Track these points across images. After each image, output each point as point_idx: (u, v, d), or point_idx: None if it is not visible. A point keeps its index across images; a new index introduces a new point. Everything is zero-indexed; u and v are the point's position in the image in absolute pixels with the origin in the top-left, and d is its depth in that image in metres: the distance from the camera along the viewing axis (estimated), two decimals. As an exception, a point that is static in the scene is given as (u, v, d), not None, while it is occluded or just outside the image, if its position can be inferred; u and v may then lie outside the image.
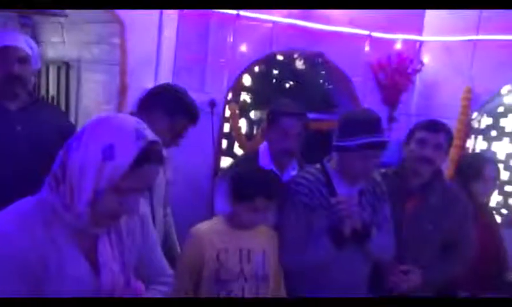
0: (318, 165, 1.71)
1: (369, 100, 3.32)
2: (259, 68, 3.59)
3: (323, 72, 3.70)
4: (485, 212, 2.33)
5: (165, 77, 2.89)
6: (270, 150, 1.87)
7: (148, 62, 2.81)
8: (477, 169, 2.20)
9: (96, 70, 3.00)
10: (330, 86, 3.74)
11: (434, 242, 1.86)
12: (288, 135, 1.79)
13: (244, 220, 1.57)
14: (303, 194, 1.63)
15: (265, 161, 1.86)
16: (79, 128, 1.09)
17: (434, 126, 1.81)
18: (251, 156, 1.96)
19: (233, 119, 3.28)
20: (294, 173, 1.87)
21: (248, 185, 1.54)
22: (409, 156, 1.85)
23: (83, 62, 3.08)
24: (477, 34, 3.05)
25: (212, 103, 3.07)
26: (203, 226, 1.61)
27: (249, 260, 1.57)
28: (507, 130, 3.31)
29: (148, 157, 0.99)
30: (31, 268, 0.93)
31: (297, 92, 3.69)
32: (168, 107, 1.70)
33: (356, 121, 1.58)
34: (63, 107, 3.16)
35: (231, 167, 2.03)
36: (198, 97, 3.03)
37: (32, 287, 0.94)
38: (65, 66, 3.19)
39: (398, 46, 3.28)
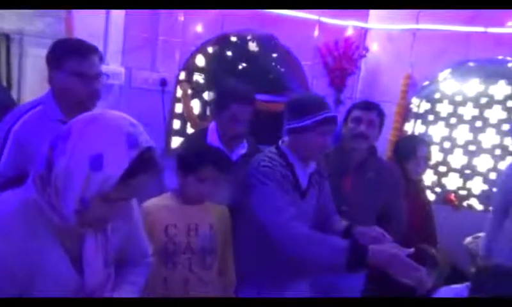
0: (274, 149, 1.71)
1: (318, 83, 3.44)
2: (213, 48, 3.59)
3: (275, 55, 3.77)
4: (418, 189, 2.54)
5: (114, 55, 2.84)
6: (218, 131, 1.89)
7: (95, 39, 2.74)
8: (411, 149, 2.40)
9: (39, 44, 2.88)
10: (282, 69, 3.83)
11: (371, 216, 2.02)
12: (237, 120, 1.80)
13: (192, 193, 1.61)
14: (275, 178, 1.59)
15: (213, 139, 1.88)
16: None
17: (368, 105, 1.98)
18: (199, 132, 1.98)
19: (185, 100, 3.29)
20: (243, 152, 1.91)
21: (193, 156, 1.58)
22: (347, 134, 1.99)
23: (26, 35, 2.94)
24: (417, 24, 3.25)
25: (163, 82, 3.06)
26: (152, 202, 1.65)
27: (197, 234, 1.62)
28: (442, 115, 3.57)
29: (142, 166, 0.91)
30: (16, 269, 0.90)
31: (250, 74, 3.74)
32: None
33: (307, 101, 1.64)
34: (3, 83, 3.02)
35: (181, 145, 2.05)
36: (148, 76, 3.06)
37: (18, 287, 0.91)
38: (5, 39, 3.02)
39: (345, 32, 3.42)
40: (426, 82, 3.37)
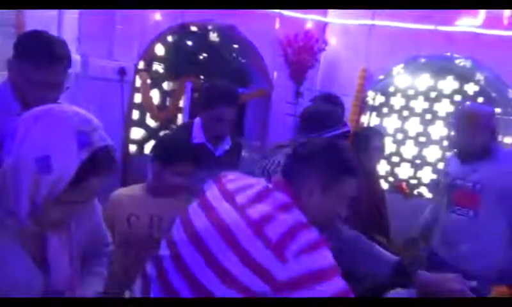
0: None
1: (278, 75, 3.49)
2: (172, 37, 3.54)
3: (236, 46, 3.77)
4: (373, 179, 2.67)
5: (69, 42, 2.72)
6: (203, 128, 1.93)
7: (48, 25, 2.62)
8: (366, 141, 2.51)
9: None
10: (243, 60, 3.84)
11: None
12: (222, 120, 1.85)
13: (167, 185, 1.60)
14: None
15: (198, 134, 1.93)
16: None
17: (329, 98, 2.04)
18: (184, 127, 2.00)
19: (144, 89, 3.23)
20: (227, 147, 1.97)
21: (173, 148, 1.58)
22: None
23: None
24: (372, 20, 3.36)
25: (122, 71, 2.98)
26: (121, 190, 1.63)
27: (159, 227, 1.61)
28: (395, 107, 3.74)
29: (95, 167, 0.84)
30: None
31: (211, 64, 3.72)
32: None
33: (324, 115, 1.65)
34: None
35: (163, 138, 2.05)
36: (106, 64, 2.96)
37: None
38: None
39: (305, 26, 3.48)
40: (381, 76, 3.51)
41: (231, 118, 1.88)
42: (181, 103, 3.58)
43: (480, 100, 3.54)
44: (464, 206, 2.13)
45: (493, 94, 3.47)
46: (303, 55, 3.34)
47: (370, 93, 3.60)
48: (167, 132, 2.76)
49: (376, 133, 2.64)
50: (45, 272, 0.94)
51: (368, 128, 3.35)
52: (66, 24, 2.72)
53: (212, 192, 1.13)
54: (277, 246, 0.96)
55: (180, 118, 3.65)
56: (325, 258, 1.00)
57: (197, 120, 1.98)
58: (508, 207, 2.05)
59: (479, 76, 3.43)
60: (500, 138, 3.41)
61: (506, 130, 3.38)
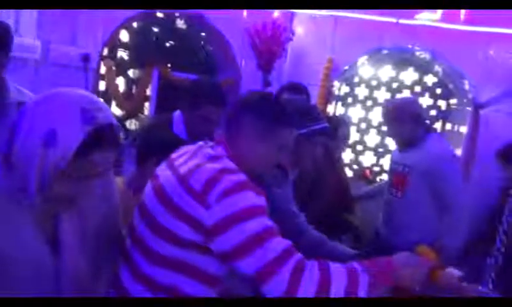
0: None
1: (246, 64, 3.51)
2: (138, 24, 3.47)
3: (204, 34, 3.75)
4: (338, 167, 2.76)
5: (28, 29, 2.61)
6: (186, 125, 1.88)
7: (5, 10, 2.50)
8: (333, 130, 2.58)
9: None
10: (210, 48, 3.82)
11: (299, 192, 2.17)
12: (207, 120, 1.81)
13: (146, 181, 1.59)
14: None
15: (179, 130, 1.88)
16: None
17: (296, 88, 2.09)
18: (163, 120, 1.95)
19: (110, 77, 3.16)
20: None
21: (154, 145, 1.56)
22: None
23: None
24: (338, 10, 3.44)
25: (86, 58, 2.89)
26: None
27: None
28: (360, 97, 3.86)
29: (98, 143, 0.90)
30: None
31: (178, 52, 3.68)
32: None
33: (305, 110, 1.64)
34: None
35: (141, 129, 2.00)
36: (68, 51, 2.87)
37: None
38: None
39: (273, 15, 3.50)
40: (346, 67, 3.61)
41: (218, 118, 1.82)
42: (148, 92, 3.53)
43: (438, 91, 3.71)
44: (397, 187, 2.40)
45: (450, 86, 3.65)
46: (270, 44, 3.36)
47: (336, 83, 3.69)
48: (137, 122, 2.68)
49: (343, 123, 2.72)
50: (56, 252, 0.96)
51: (335, 117, 3.44)
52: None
53: (161, 165, 1.20)
54: (200, 194, 1.02)
55: (147, 107, 3.60)
56: (248, 198, 1.03)
57: (177, 115, 1.94)
58: (432, 186, 2.28)
59: (437, 68, 3.60)
60: (455, 127, 3.61)
61: (461, 119, 3.58)
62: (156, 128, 1.98)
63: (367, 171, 3.85)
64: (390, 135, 2.54)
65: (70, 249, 0.98)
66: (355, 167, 3.91)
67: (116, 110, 3.47)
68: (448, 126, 3.73)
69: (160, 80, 3.51)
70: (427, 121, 2.57)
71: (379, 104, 3.80)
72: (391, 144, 3.82)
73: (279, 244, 1.03)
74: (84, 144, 0.88)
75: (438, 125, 3.78)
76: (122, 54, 3.44)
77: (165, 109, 2.81)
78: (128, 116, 3.55)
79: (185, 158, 1.15)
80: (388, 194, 2.47)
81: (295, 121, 1.27)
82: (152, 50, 3.51)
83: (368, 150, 3.89)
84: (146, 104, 3.60)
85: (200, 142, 1.22)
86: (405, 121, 2.33)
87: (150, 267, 1.09)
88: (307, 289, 1.00)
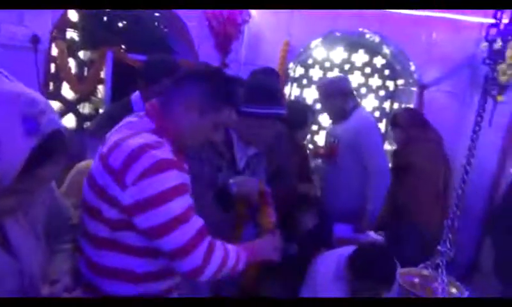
0: None
1: (203, 46, 3.48)
2: (87, 3, 3.30)
3: (158, 14, 3.66)
4: (303, 150, 2.89)
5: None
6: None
7: None
8: (303, 119, 2.66)
9: None
10: (165, 29, 3.74)
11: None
12: None
13: None
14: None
15: (140, 110, 1.84)
16: None
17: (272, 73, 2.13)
18: (123, 104, 1.91)
19: (61, 59, 3.01)
20: None
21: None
22: None
23: None
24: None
25: (35, 39, 2.74)
26: (86, 163, 1.57)
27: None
28: (314, 79, 3.99)
29: (46, 155, 0.80)
30: None
31: (131, 33, 3.57)
32: None
33: (267, 90, 1.63)
34: None
35: (102, 117, 1.96)
36: (16, 31, 2.69)
37: None
38: None
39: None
40: (301, 49, 3.70)
41: None
42: (102, 74, 3.40)
43: (386, 72, 3.94)
44: (329, 157, 2.79)
45: (398, 67, 3.89)
46: (227, 26, 3.36)
47: (291, 65, 3.78)
48: (90, 105, 2.58)
49: (310, 110, 2.85)
50: (14, 256, 0.89)
51: (303, 105, 3.36)
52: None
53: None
54: (117, 173, 1.03)
55: (100, 90, 3.47)
56: (167, 180, 1.04)
57: (136, 96, 1.91)
58: (354, 156, 2.62)
59: (386, 50, 3.81)
60: (403, 106, 3.86)
61: (407, 99, 3.84)
62: (116, 113, 1.95)
63: (321, 150, 4.01)
64: (323, 110, 3.00)
65: (24, 249, 0.91)
66: (310, 146, 4.06)
67: (67, 93, 3.32)
68: (395, 105, 3.98)
69: (115, 62, 3.39)
70: (357, 98, 2.90)
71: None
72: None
73: (194, 224, 1.07)
74: (30, 158, 0.78)
75: (386, 104, 4.03)
76: (72, 34, 3.28)
77: (121, 91, 2.74)
78: (80, 99, 3.41)
79: (110, 135, 1.15)
80: (323, 163, 2.91)
81: (238, 102, 1.29)
82: (103, 31, 3.37)
83: (323, 130, 4.06)
84: (100, 87, 3.47)
85: (129, 117, 1.20)
86: (334, 96, 2.63)
87: (95, 252, 1.10)
88: (214, 265, 1.09)
